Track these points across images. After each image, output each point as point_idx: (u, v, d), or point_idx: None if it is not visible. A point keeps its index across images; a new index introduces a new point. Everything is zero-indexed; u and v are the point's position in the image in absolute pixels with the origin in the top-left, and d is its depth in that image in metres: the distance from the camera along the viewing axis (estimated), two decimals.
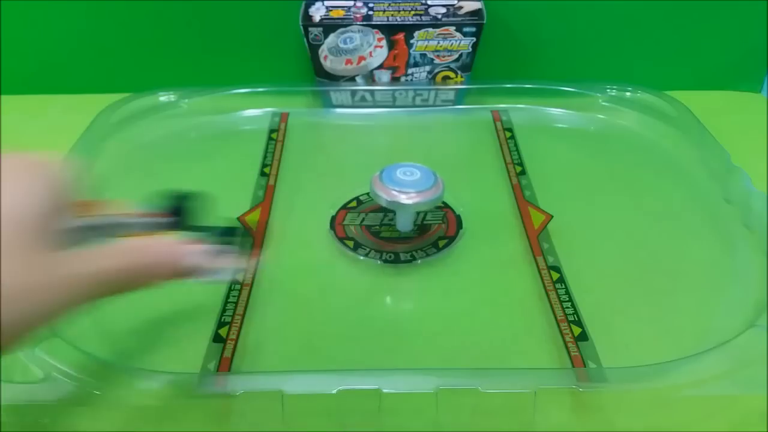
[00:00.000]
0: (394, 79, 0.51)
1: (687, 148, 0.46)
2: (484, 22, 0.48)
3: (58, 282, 0.20)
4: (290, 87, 0.53)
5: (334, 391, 0.27)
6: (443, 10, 0.49)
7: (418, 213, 0.39)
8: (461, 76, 0.51)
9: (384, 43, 0.49)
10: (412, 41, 0.49)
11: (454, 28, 0.48)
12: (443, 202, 0.41)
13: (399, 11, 0.49)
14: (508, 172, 0.44)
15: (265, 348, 0.32)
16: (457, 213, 0.40)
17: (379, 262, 0.36)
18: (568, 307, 0.33)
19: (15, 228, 0.19)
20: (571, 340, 0.31)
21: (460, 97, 0.52)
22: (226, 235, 0.26)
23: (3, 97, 0.55)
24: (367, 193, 0.42)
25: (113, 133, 0.47)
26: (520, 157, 0.45)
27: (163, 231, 0.25)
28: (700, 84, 0.55)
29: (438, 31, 0.49)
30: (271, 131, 0.49)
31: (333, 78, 0.51)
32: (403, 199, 0.35)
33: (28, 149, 0.45)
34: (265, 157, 0.46)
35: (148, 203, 0.26)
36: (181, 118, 0.50)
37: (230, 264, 0.25)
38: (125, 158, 0.46)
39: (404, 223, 0.38)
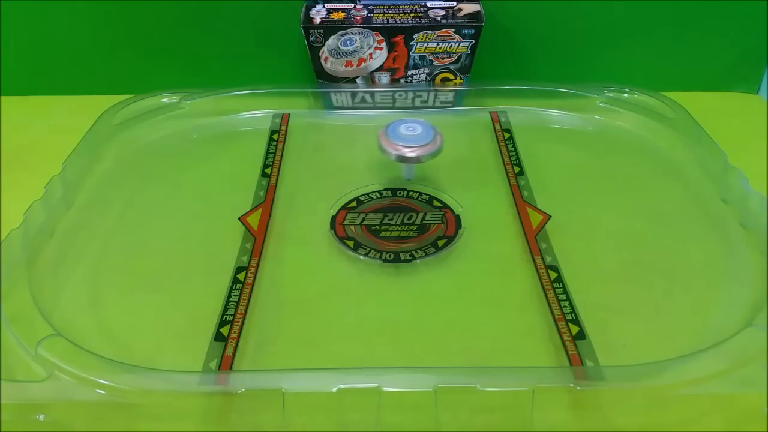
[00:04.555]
0: (394, 81, 0.51)
1: (684, 148, 0.46)
2: (483, 24, 0.49)
3: None
4: (291, 89, 0.53)
5: (334, 390, 0.27)
6: (442, 13, 0.50)
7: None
8: (460, 78, 0.51)
9: (384, 45, 0.49)
10: (411, 43, 0.49)
11: (453, 30, 0.49)
12: (442, 202, 0.41)
13: (399, 13, 0.50)
14: (507, 172, 0.44)
15: (266, 347, 0.32)
16: (456, 213, 0.40)
17: (379, 261, 0.37)
18: (565, 306, 0.33)
19: None
20: (569, 338, 0.32)
21: (459, 98, 0.52)
22: None
23: (5, 97, 0.55)
24: (368, 193, 0.42)
25: (116, 134, 0.48)
26: (518, 158, 0.46)
27: None
28: (698, 85, 0.56)
29: (437, 33, 0.49)
30: (273, 132, 0.49)
31: (333, 79, 0.51)
32: (407, 152, 0.40)
33: (30, 150, 0.46)
34: (266, 157, 0.46)
35: None
36: (183, 120, 0.50)
37: None
38: (127, 159, 0.47)
39: (409, 172, 0.43)
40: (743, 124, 0.52)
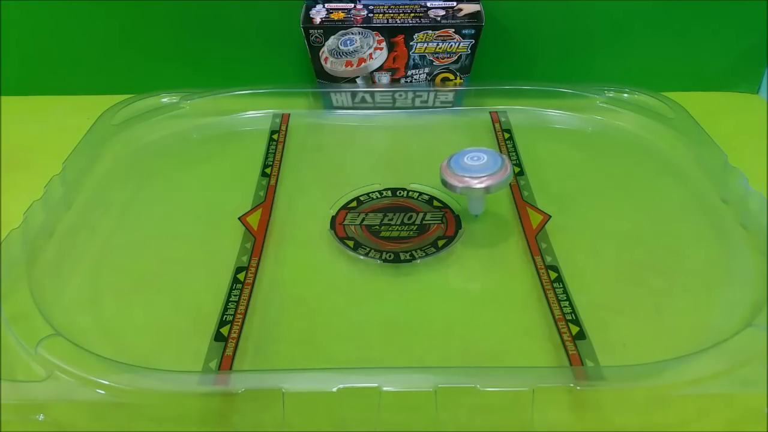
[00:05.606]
0: (394, 81, 0.51)
1: (684, 148, 0.46)
2: (483, 24, 0.49)
3: None
4: (291, 88, 0.53)
5: (334, 389, 0.27)
6: (442, 13, 0.50)
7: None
8: (460, 78, 0.51)
9: (384, 45, 0.49)
10: (411, 43, 0.49)
11: (453, 30, 0.49)
12: (442, 202, 0.41)
13: (399, 13, 0.50)
14: None
15: (266, 347, 0.32)
16: (456, 213, 0.40)
17: (379, 261, 0.37)
18: (565, 306, 0.33)
19: None
20: (569, 338, 0.32)
21: (459, 98, 0.52)
22: None
23: (4, 97, 0.55)
24: (368, 193, 0.42)
25: (115, 134, 0.48)
26: (518, 158, 0.46)
27: None
28: (698, 85, 0.56)
29: (437, 33, 0.49)
30: (273, 132, 0.49)
31: (333, 79, 0.51)
32: (475, 183, 0.36)
33: (30, 150, 0.46)
34: (266, 157, 0.46)
35: None
36: (183, 120, 0.50)
37: None
38: (127, 159, 0.47)
39: (476, 207, 0.39)
40: (743, 124, 0.52)
